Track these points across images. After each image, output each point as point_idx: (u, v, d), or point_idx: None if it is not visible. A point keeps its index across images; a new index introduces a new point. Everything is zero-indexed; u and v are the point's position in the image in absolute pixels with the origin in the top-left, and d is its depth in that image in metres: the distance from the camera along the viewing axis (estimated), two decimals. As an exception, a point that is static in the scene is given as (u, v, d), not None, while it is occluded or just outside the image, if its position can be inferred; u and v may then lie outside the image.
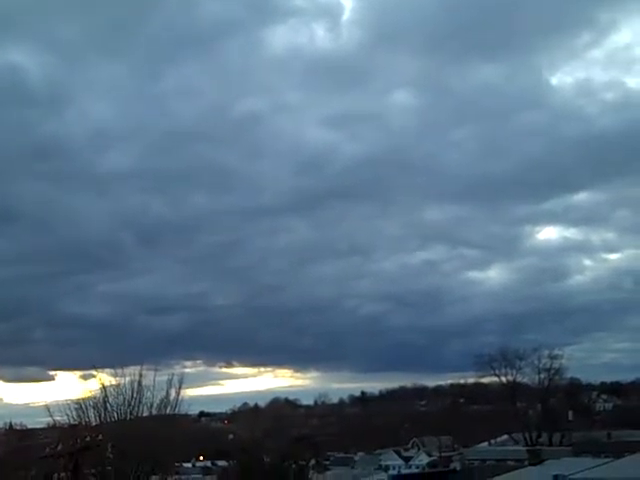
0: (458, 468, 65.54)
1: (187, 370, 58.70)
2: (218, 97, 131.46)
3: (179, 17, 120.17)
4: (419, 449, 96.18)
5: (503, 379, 79.97)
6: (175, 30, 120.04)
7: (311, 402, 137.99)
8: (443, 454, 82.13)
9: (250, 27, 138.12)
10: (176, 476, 58.11)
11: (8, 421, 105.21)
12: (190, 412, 63.32)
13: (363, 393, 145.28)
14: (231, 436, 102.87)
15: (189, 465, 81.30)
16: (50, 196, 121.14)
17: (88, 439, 43.53)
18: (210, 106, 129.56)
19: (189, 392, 51.61)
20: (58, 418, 49.42)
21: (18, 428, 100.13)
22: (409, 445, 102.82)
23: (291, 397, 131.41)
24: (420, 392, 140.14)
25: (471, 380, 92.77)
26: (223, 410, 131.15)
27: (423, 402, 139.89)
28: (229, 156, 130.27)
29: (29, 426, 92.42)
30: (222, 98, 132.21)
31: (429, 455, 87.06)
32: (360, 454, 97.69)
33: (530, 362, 78.49)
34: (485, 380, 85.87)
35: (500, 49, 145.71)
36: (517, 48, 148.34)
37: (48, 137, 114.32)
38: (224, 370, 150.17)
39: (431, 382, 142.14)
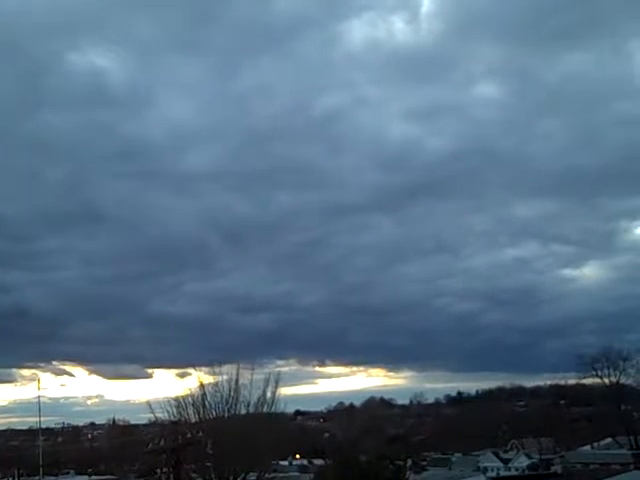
0: (559, 471, 63.74)
1: (281, 369, 59.15)
2: (298, 94, 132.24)
3: (256, 15, 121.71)
4: (518, 451, 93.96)
5: (606, 380, 77.46)
6: (252, 28, 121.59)
7: (406, 401, 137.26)
8: (543, 456, 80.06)
9: (327, 23, 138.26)
10: (273, 473, 58.66)
11: (111, 417, 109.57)
12: (286, 411, 63.90)
13: (459, 393, 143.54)
14: (327, 435, 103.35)
15: (286, 463, 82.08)
16: (136, 197, 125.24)
17: (189, 436, 44.56)
18: (290, 103, 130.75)
19: (284, 391, 52.06)
20: (159, 415, 51.06)
21: (121, 424, 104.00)
22: (508, 447, 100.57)
23: (385, 396, 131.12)
24: (517, 392, 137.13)
25: (572, 381, 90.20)
26: (318, 409, 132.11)
27: (521, 403, 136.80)
28: (311, 153, 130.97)
29: (131, 422, 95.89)
30: (302, 95, 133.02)
31: (529, 457, 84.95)
32: (457, 455, 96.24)
33: (634, 363, 75.75)
34: (586, 381, 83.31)
35: (587, 35, 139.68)
36: (605, 33, 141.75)
37: (132, 138, 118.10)
38: (318, 369, 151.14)
39: (528, 382, 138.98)
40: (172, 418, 49.27)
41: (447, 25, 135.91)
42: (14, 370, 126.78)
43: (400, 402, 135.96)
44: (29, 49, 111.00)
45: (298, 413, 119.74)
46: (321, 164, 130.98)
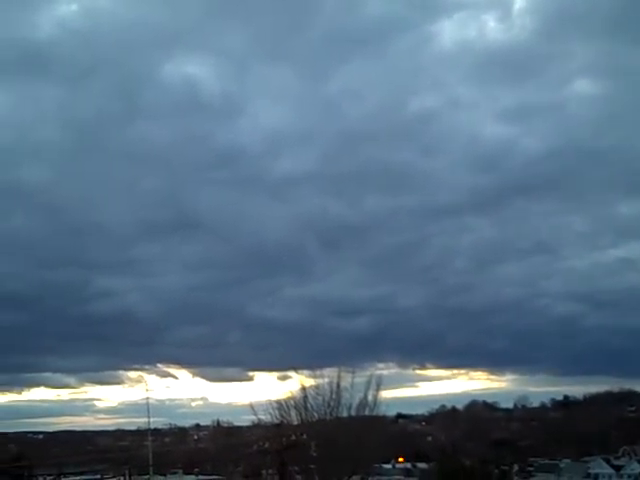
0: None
1: (380, 372, 58.67)
2: (389, 96, 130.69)
3: (345, 19, 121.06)
4: (631, 458, 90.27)
5: None
6: (342, 32, 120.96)
7: (509, 405, 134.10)
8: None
9: (417, 24, 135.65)
10: (377, 477, 58.61)
11: (215, 419, 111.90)
12: (388, 414, 63.43)
13: (566, 397, 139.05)
14: (429, 438, 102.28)
15: (389, 466, 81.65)
16: (232, 203, 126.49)
17: (293, 438, 44.88)
18: (381, 106, 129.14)
19: (385, 394, 51.75)
20: (262, 417, 51.75)
21: (225, 425, 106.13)
22: (619, 453, 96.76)
23: (487, 400, 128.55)
24: (627, 397, 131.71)
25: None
26: (420, 412, 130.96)
27: (632, 408, 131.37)
28: (404, 155, 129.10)
29: (234, 424, 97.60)
30: (393, 97, 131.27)
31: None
32: (566, 461, 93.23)
33: None
34: None
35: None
36: None
37: (226, 145, 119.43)
38: (418, 372, 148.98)
39: (639, 387, 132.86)
40: (275, 420, 49.88)
41: (540, 22, 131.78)
42: (121, 372, 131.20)
43: (503, 406, 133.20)
44: (125, 62, 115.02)
45: (400, 416, 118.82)
46: (414, 166, 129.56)
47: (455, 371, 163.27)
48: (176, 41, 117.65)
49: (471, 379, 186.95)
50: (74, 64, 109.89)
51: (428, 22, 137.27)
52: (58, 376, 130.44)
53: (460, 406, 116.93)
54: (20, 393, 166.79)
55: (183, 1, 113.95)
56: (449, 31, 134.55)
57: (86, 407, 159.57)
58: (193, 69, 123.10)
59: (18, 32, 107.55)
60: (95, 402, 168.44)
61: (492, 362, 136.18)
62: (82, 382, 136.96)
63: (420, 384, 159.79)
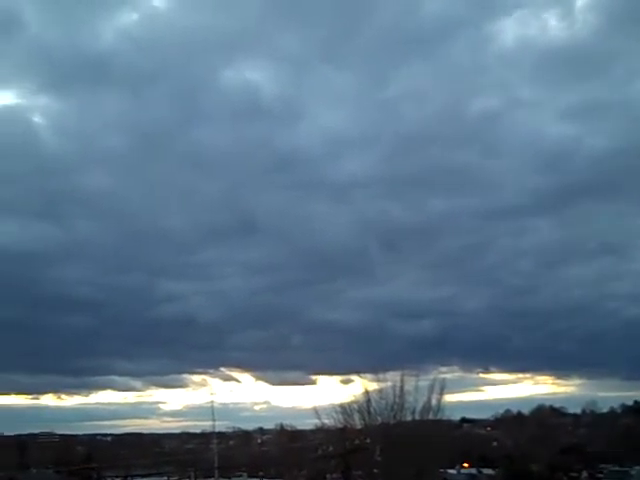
0: None
1: (444, 375, 57.96)
2: (450, 97, 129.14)
3: (403, 20, 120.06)
4: None
5: None
6: (400, 34, 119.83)
7: (577, 410, 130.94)
8: None
9: (477, 23, 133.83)
10: (442, 482, 57.97)
11: (278, 422, 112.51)
12: (452, 418, 62.75)
13: (636, 402, 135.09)
14: (495, 443, 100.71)
15: (454, 472, 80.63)
16: (292, 207, 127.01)
17: (357, 442, 44.74)
18: (442, 107, 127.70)
19: (449, 398, 51.14)
20: (325, 421, 51.75)
21: (288, 429, 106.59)
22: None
23: (554, 404, 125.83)
24: None
25: None
26: (485, 417, 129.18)
27: None
28: (466, 157, 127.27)
29: (298, 427, 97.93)
30: (454, 98, 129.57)
31: None
32: (637, 468, 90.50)
33: None
34: None
35: None
36: None
37: (286, 149, 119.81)
38: (482, 376, 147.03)
39: None
40: (338, 424, 49.82)
41: (603, 19, 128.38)
42: (185, 376, 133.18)
43: (571, 411, 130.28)
44: (185, 68, 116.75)
45: (464, 420, 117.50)
46: (476, 167, 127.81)
47: (520, 375, 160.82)
48: (235, 46, 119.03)
49: (536, 383, 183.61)
50: (135, 72, 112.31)
51: (488, 21, 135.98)
52: (124, 379, 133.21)
53: (526, 411, 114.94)
54: (88, 396, 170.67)
55: (241, 6, 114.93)
56: (510, 30, 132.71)
57: (152, 410, 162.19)
58: (252, 74, 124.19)
59: (81, 42, 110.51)
60: (160, 405, 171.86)
61: (558, 366, 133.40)
62: (148, 385, 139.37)
63: (484, 388, 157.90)
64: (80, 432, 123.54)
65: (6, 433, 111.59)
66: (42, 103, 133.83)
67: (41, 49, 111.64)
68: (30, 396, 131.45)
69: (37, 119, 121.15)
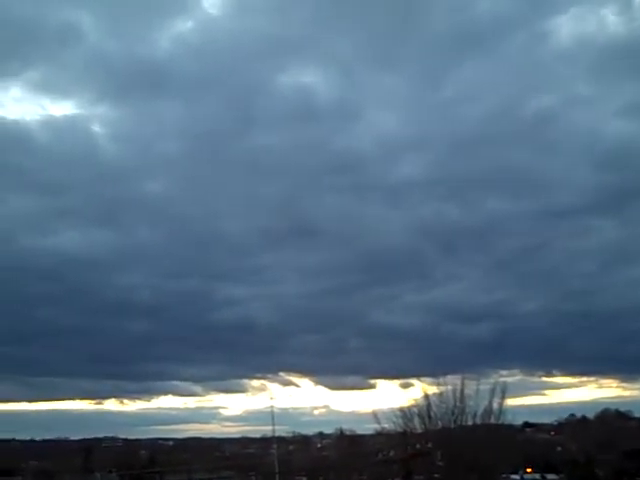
0: None
1: (505, 379, 56.97)
2: (505, 97, 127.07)
3: (456, 21, 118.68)
4: None
5: None
6: (453, 34, 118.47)
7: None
8: None
9: (532, 21, 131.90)
10: (504, 487, 56.92)
11: (338, 427, 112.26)
12: (514, 422, 61.58)
13: None
14: (559, 448, 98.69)
15: (517, 477, 79.27)
16: (349, 209, 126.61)
17: (418, 446, 44.31)
18: (498, 107, 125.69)
19: (510, 402, 50.23)
20: (385, 425, 51.40)
21: (348, 434, 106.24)
22: None
23: (620, 408, 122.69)
24: None
25: None
26: (548, 421, 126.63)
27: None
28: (522, 156, 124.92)
29: (357, 432, 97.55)
30: (510, 97, 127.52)
31: None
32: None
33: None
34: None
35: None
36: None
37: (341, 152, 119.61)
38: (544, 379, 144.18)
39: None
40: (398, 429, 49.43)
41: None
42: (245, 381, 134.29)
43: (637, 415, 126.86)
44: (239, 73, 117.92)
45: (527, 425, 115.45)
46: (534, 167, 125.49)
47: (584, 378, 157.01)
48: (288, 51, 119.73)
49: (601, 387, 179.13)
50: (191, 78, 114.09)
51: (543, 18, 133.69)
52: (185, 384, 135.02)
53: (590, 415, 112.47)
54: (150, 401, 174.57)
55: (293, 11, 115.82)
56: (566, 27, 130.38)
57: (212, 415, 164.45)
58: (306, 78, 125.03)
59: (138, 51, 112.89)
60: (220, 410, 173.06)
61: (624, 369, 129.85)
62: (208, 390, 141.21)
63: (547, 392, 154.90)
64: (142, 436, 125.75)
65: (71, 437, 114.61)
66: (101, 112, 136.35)
67: (99, 59, 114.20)
68: (94, 401, 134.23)
69: (96, 128, 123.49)
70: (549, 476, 78.07)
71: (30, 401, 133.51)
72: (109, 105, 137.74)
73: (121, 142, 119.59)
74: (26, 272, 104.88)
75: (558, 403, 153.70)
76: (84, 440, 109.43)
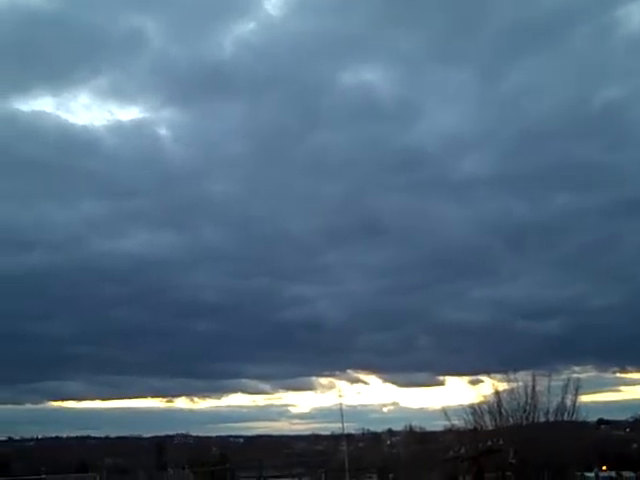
0: None
1: (577, 375, 55.80)
2: (572, 89, 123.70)
3: (520, 14, 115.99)
4: None
5: None
6: (518, 27, 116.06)
7: None
8: None
9: (599, 11, 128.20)
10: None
11: (407, 424, 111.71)
12: (588, 419, 60.31)
13: None
14: (635, 445, 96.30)
15: (591, 474, 77.57)
16: (412, 207, 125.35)
17: (489, 444, 43.78)
18: (564, 100, 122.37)
19: (584, 398, 49.26)
20: (455, 422, 50.99)
21: (417, 431, 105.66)
22: None
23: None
24: None
25: None
26: (623, 417, 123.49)
27: None
28: (591, 150, 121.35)
29: (426, 429, 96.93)
30: (577, 90, 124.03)
31: None
32: None
33: None
34: None
35: None
36: None
37: (405, 150, 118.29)
38: (618, 375, 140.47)
39: None
40: (468, 426, 48.97)
41: None
42: (313, 378, 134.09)
43: None
44: (302, 73, 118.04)
45: (601, 422, 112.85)
46: (603, 160, 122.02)
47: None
48: (350, 49, 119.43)
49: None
50: (254, 79, 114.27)
51: (612, 7, 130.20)
52: (254, 383, 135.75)
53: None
54: (220, 399, 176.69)
55: (353, 8, 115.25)
56: (636, 15, 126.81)
57: (281, 412, 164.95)
58: (368, 75, 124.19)
59: (202, 54, 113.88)
60: (289, 408, 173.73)
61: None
62: (276, 388, 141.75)
63: (622, 388, 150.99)
64: (213, 434, 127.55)
65: (144, 435, 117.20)
66: (166, 115, 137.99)
67: (164, 63, 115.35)
68: (165, 399, 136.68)
69: (163, 131, 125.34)
70: (625, 473, 76.24)
71: (104, 399, 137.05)
72: (174, 108, 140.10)
73: (187, 144, 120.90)
74: (99, 274, 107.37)
75: (634, 399, 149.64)
76: (156, 437, 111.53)
